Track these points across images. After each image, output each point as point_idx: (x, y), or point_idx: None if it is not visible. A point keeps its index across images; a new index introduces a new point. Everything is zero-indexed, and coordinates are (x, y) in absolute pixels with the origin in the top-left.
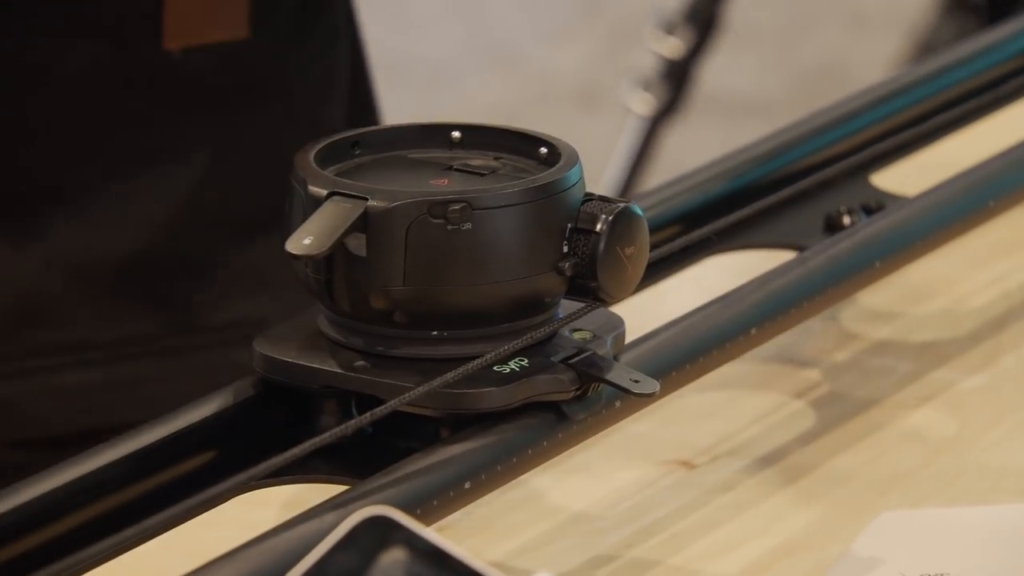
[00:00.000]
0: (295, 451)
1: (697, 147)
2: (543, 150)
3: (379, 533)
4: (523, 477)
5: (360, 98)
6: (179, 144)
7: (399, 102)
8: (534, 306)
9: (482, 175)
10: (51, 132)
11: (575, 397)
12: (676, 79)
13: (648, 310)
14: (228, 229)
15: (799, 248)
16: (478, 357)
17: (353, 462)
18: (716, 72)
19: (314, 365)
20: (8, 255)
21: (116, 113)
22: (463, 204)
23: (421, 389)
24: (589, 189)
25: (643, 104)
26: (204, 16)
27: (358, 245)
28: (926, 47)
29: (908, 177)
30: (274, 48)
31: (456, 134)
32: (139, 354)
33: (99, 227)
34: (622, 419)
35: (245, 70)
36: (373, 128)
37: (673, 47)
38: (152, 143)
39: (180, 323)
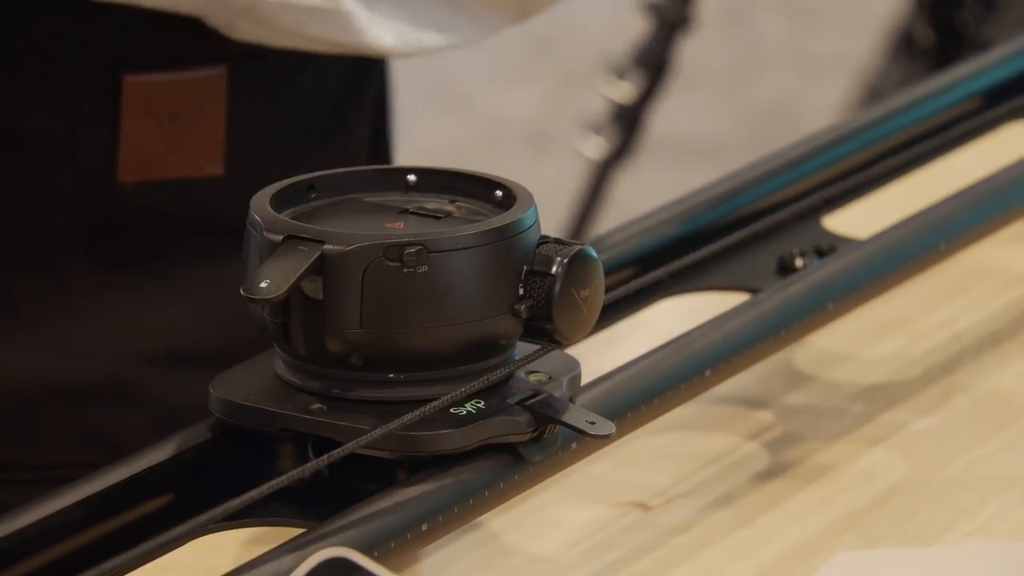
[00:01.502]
0: (252, 494)
1: (648, 191)
2: (498, 193)
3: (338, 574)
4: (480, 519)
5: None
6: (129, 277)
7: None
8: (490, 348)
9: (438, 218)
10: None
11: (531, 439)
12: (627, 123)
13: (603, 352)
14: (171, 364)
15: (752, 290)
16: (435, 399)
17: (310, 505)
18: (666, 116)
19: (270, 408)
20: None
21: (68, 241)
22: (419, 247)
23: (378, 432)
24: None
25: (594, 148)
26: (167, 150)
27: (314, 288)
28: (875, 91)
29: (860, 220)
30: (251, 186)
31: (411, 177)
32: (70, 477)
33: (41, 349)
34: (578, 461)
35: (212, 207)
36: (328, 172)
37: (624, 91)
38: (104, 273)
39: (109, 452)
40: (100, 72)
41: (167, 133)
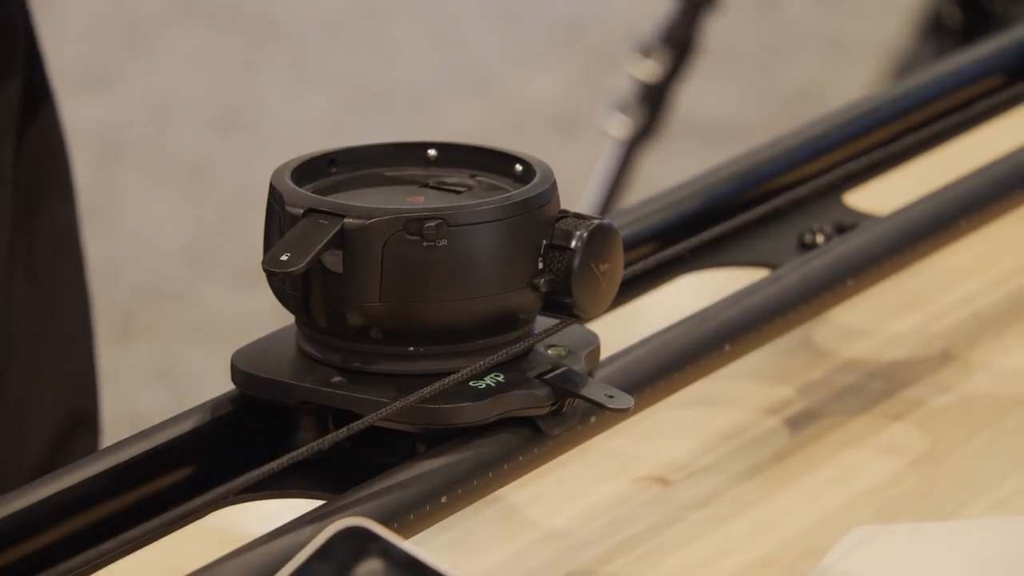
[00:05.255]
0: (272, 466)
1: (674, 172)
2: (518, 167)
3: (356, 544)
4: (499, 493)
5: (33, 75)
6: None
7: (375, 128)
8: (510, 322)
9: (458, 192)
10: None
11: (551, 412)
12: (653, 102)
13: (622, 327)
14: None
15: (772, 266)
16: (454, 372)
17: (330, 477)
18: (693, 96)
19: (291, 381)
20: None
21: None
22: (439, 221)
23: (397, 404)
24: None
25: (620, 127)
26: None
27: (335, 262)
28: (903, 70)
29: (881, 196)
30: None
31: (432, 152)
32: None
33: None
34: (597, 434)
35: None
36: (350, 146)
37: (650, 70)
38: None
39: None
40: None
41: None
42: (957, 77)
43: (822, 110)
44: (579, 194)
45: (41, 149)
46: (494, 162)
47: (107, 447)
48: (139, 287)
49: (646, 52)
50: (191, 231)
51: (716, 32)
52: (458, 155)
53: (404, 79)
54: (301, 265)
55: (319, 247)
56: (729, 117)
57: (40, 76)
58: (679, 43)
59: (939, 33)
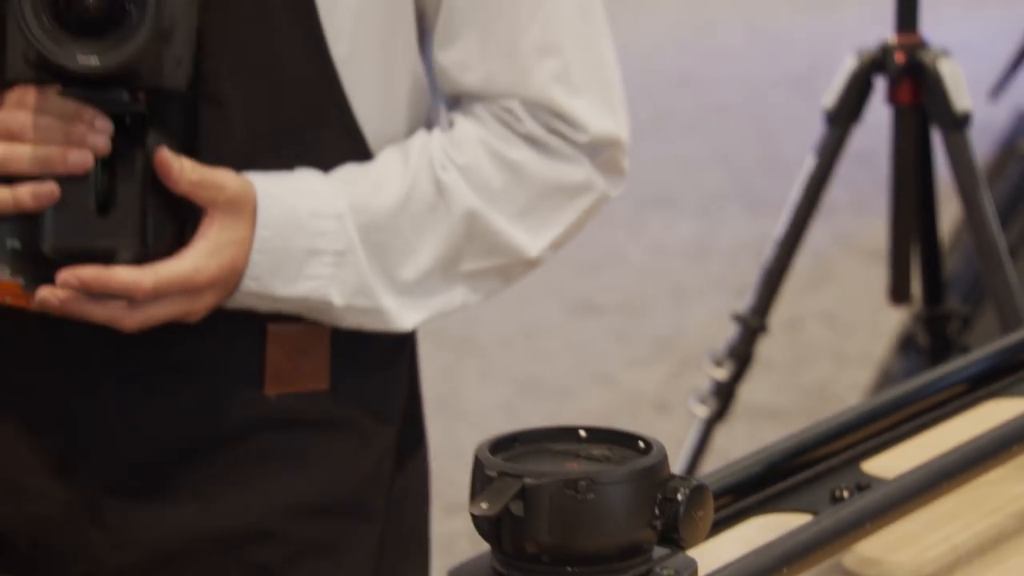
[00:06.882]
0: None
1: (736, 443)
2: (641, 444)
3: None
4: None
5: (411, 416)
6: (266, 461)
7: (532, 412)
8: (636, 550)
9: (600, 461)
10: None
11: None
12: (724, 395)
13: (713, 555)
14: (304, 514)
15: (814, 513)
16: None
17: None
18: (749, 391)
19: None
20: (148, 531)
21: (234, 437)
22: (588, 481)
23: None
24: None
25: (702, 411)
26: (294, 371)
27: (518, 508)
28: (888, 377)
29: (888, 465)
30: (350, 396)
31: (582, 432)
32: None
33: (211, 510)
34: None
35: (320, 410)
36: (526, 429)
37: (721, 373)
38: (243, 460)
39: None
40: (253, 322)
41: (294, 362)
42: (935, 385)
43: (834, 402)
44: (673, 458)
45: (411, 468)
46: (624, 439)
47: None
48: None
49: (718, 361)
50: None
51: (761, 347)
52: (600, 435)
53: (549, 376)
54: (495, 511)
55: (507, 499)
56: (769, 404)
57: (417, 415)
58: (740, 356)
59: (910, 350)
